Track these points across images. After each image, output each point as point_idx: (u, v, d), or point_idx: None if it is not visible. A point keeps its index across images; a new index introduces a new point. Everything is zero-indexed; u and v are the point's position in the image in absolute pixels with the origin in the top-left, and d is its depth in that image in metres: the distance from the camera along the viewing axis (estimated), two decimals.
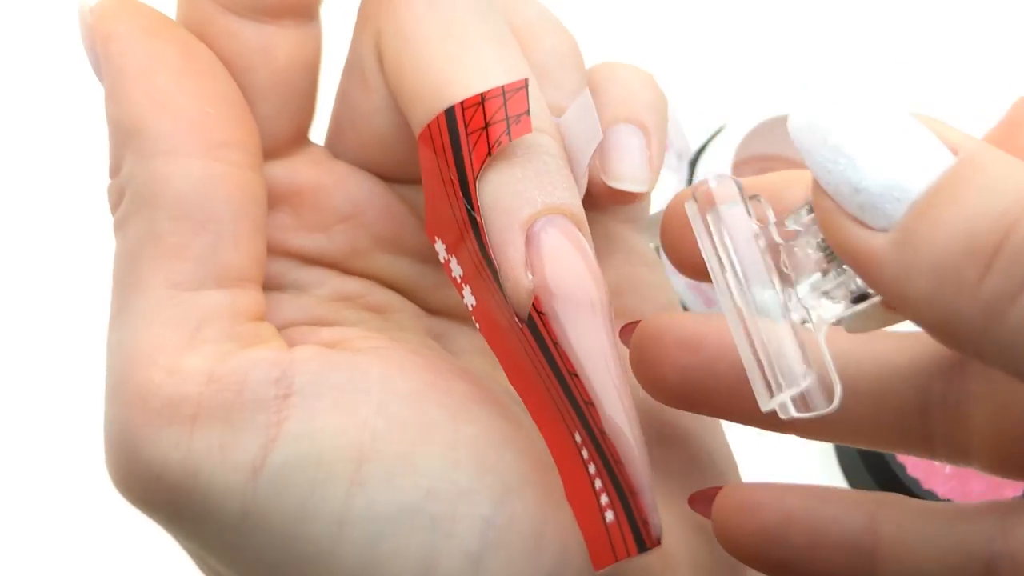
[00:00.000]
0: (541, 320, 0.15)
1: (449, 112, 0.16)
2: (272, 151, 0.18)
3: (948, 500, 0.38)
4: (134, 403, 0.16)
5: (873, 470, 0.40)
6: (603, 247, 0.20)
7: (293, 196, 0.18)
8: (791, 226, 0.16)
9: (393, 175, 0.19)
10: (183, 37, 0.17)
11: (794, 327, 0.15)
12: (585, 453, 0.15)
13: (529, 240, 0.15)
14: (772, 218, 0.16)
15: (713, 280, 0.16)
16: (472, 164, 0.16)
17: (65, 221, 0.48)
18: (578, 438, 0.16)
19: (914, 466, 0.39)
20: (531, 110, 0.15)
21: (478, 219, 0.16)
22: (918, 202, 0.14)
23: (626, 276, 0.21)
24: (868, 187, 0.14)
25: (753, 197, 0.16)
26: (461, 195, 0.16)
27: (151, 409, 0.16)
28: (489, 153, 0.15)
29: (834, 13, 0.57)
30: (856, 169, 0.14)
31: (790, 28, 0.55)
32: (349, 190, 0.19)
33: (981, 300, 0.13)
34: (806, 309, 0.16)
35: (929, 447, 0.17)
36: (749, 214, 0.16)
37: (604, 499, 0.15)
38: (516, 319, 0.16)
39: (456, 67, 0.16)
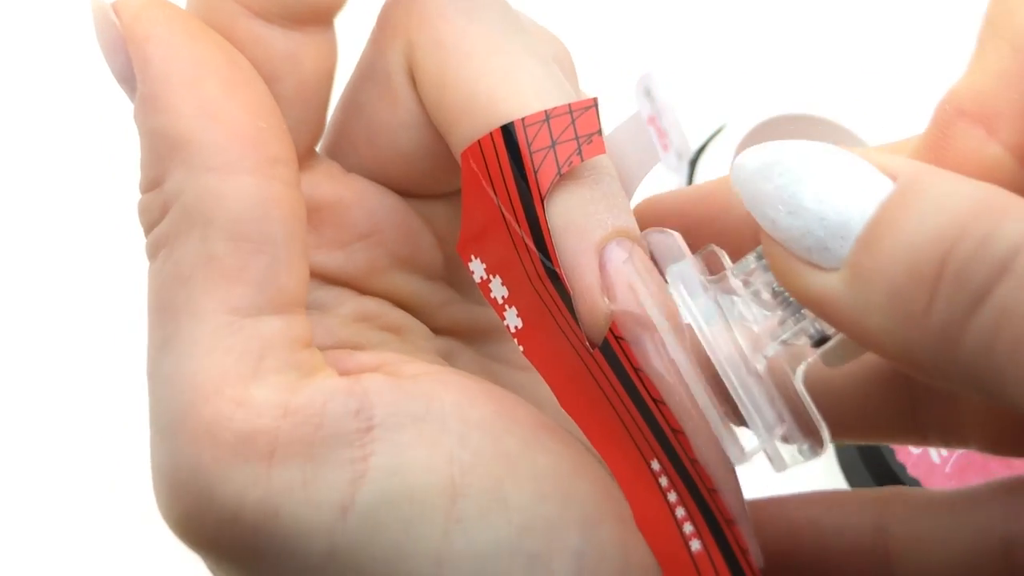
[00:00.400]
0: (620, 345, 0.15)
1: (507, 128, 0.15)
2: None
3: None
4: (202, 439, 0.15)
5: (873, 470, 0.40)
6: None
7: (313, 212, 0.17)
8: (738, 277, 0.16)
9: (409, 190, 0.18)
10: (223, 42, 0.16)
11: (760, 375, 0.15)
12: (664, 481, 0.15)
13: (603, 264, 0.15)
14: (729, 264, 0.16)
15: (667, 341, 0.15)
16: (539, 183, 0.15)
17: (64, 227, 0.48)
18: (656, 466, 0.15)
19: (914, 466, 0.39)
20: (586, 135, 0.15)
21: (546, 239, 0.15)
22: (861, 236, 0.13)
23: None
24: (813, 229, 0.14)
25: (707, 249, 0.16)
26: (523, 213, 0.15)
27: (223, 444, 0.15)
28: (559, 173, 0.15)
29: (834, 13, 0.57)
30: (800, 213, 0.14)
31: (790, 28, 0.55)
32: (369, 206, 0.18)
33: (933, 330, 0.13)
34: (766, 358, 0.15)
35: (922, 434, 0.17)
36: (698, 268, 0.16)
37: (688, 528, 0.15)
38: (588, 343, 0.15)
39: (509, 83, 0.16)
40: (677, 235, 0.16)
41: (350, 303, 0.18)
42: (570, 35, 0.21)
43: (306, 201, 0.17)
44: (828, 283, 0.14)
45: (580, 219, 0.15)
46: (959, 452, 0.39)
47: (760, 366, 0.15)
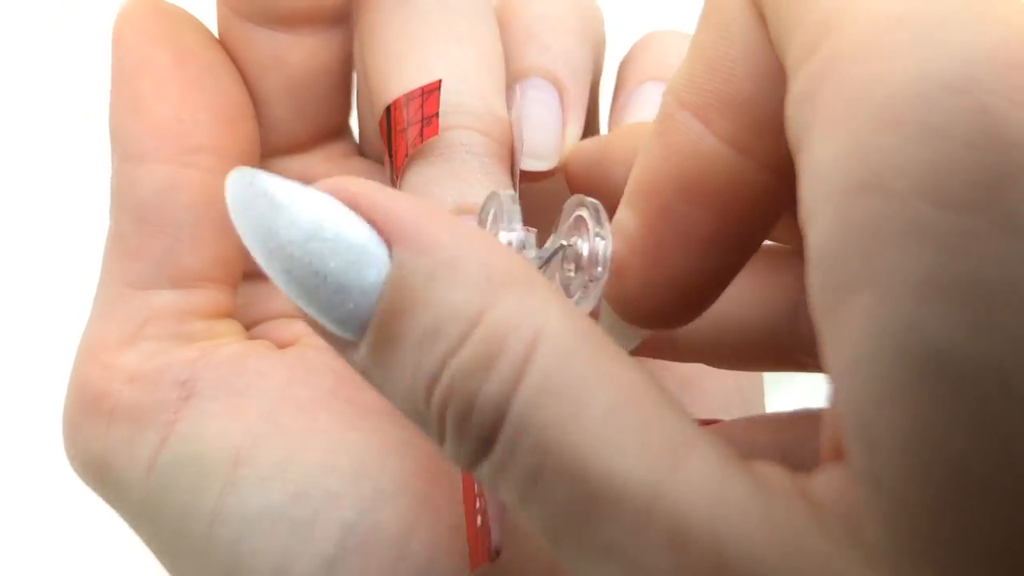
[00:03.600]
0: None
1: (387, 111, 0.16)
2: (289, 148, 0.19)
3: None
4: (72, 394, 0.17)
5: None
6: None
7: None
8: (542, 254, 0.15)
9: None
10: (185, 42, 0.17)
11: None
12: None
13: None
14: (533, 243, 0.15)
15: None
16: (394, 163, 0.16)
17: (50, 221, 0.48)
18: None
19: None
20: (444, 110, 0.15)
21: None
22: (369, 330, 0.12)
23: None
24: (318, 310, 0.12)
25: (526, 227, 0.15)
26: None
27: (82, 401, 0.17)
28: (406, 154, 0.16)
29: None
30: (306, 274, 0.12)
31: None
32: None
33: (450, 454, 0.12)
34: None
35: (802, 364, 0.18)
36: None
37: (479, 503, 0.15)
38: None
39: (401, 65, 0.16)
40: (513, 204, 0.15)
41: None
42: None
43: (297, 179, 0.18)
44: (356, 358, 0.12)
45: (422, 196, 0.16)
46: None
47: None
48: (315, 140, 0.19)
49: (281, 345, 0.19)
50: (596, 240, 0.14)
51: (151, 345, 0.17)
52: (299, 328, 0.18)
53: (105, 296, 0.18)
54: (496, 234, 0.15)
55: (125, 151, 0.17)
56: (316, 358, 0.17)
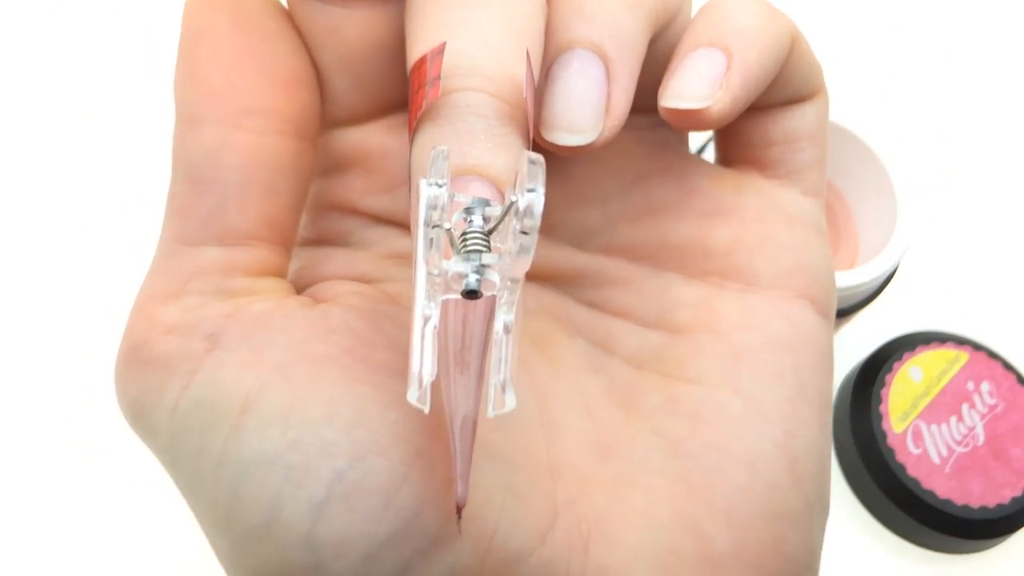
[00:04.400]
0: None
1: (409, 74, 0.16)
2: (348, 120, 0.19)
3: (947, 500, 0.38)
4: (123, 342, 0.18)
5: (873, 470, 0.40)
6: (732, 198, 0.20)
7: (363, 160, 0.20)
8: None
9: None
10: (246, 10, 0.18)
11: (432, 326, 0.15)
12: None
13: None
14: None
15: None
16: (410, 124, 0.16)
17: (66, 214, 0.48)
18: None
19: (914, 466, 0.39)
20: (457, 72, 0.15)
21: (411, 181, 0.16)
22: None
23: (752, 232, 0.20)
24: None
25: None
26: None
27: (127, 349, 0.18)
28: (416, 116, 0.16)
29: (835, 13, 0.56)
30: None
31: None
32: None
33: None
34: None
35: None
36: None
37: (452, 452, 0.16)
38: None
39: (426, 29, 0.16)
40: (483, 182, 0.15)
41: (391, 242, 0.20)
42: None
43: (357, 149, 0.20)
44: None
45: (423, 161, 0.16)
46: (959, 452, 0.39)
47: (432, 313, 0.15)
48: (374, 112, 0.19)
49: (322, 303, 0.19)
50: (527, 194, 0.14)
51: (193, 299, 0.18)
52: (341, 288, 0.19)
53: (160, 251, 0.18)
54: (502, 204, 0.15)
55: (181, 114, 0.18)
56: (339, 317, 0.18)
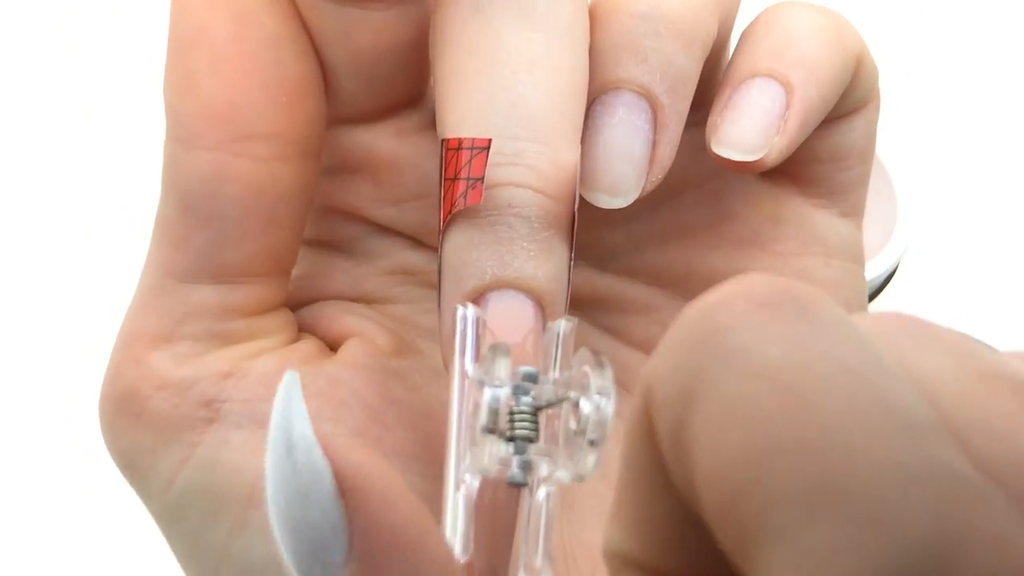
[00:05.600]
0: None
1: (442, 144, 0.15)
2: (357, 119, 0.18)
3: None
4: (107, 383, 0.17)
5: None
6: (770, 229, 0.18)
7: (371, 166, 0.18)
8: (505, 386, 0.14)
9: None
10: (247, 7, 0.16)
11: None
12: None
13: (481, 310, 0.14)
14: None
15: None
16: (441, 214, 0.15)
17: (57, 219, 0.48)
18: None
19: None
20: (498, 161, 0.14)
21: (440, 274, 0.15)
22: None
23: (788, 268, 0.18)
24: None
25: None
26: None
27: (113, 394, 0.16)
28: (451, 210, 0.14)
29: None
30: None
31: None
32: (426, 169, 0.18)
33: None
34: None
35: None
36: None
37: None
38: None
39: (461, 95, 0.15)
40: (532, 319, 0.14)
41: (398, 255, 0.19)
42: None
43: (364, 152, 0.18)
44: None
45: (458, 264, 0.15)
46: None
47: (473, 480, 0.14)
48: (384, 112, 0.18)
49: (330, 340, 0.18)
50: (596, 397, 0.13)
51: (186, 346, 0.16)
52: (350, 322, 0.18)
53: (147, 283, 0.17)
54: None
55: (175, 131, 0.16)
56: (349, 384, 0.17)
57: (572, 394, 0.13)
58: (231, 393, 0.16)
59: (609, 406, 0.13)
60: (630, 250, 0.19)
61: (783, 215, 0.19)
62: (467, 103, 0.15)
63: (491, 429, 0.13)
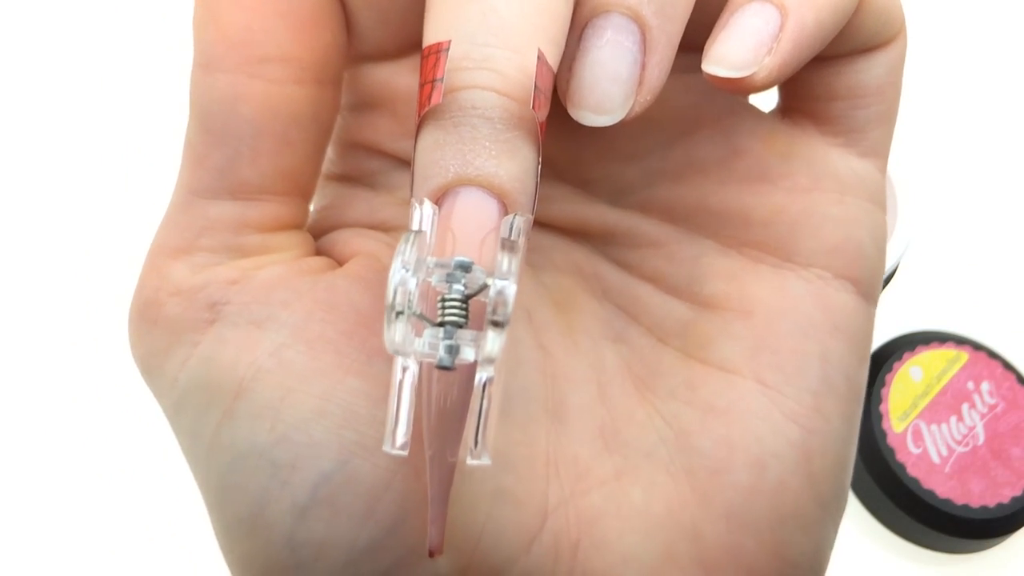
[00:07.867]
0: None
1: (421, 56, 0.15)
2: (376, 55, 0.18)
3: (947, 500, 0.38)
4: (135, 295, 0.18)
5: (873, 470, 0.40)
6: (781, 164, 0.18)
7: (390, 101, 0.19)
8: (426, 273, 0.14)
9: None
10: None
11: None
12: None
13: (440, 210, 0.15)
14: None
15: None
16: (416, 118, 0.15)
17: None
18: None
19: (914, 466, 0.39)
20: (467, 65, 0.14)
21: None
22: None
23: (797, 203, 0.18)
24: None
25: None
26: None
27: (137, 303, 0.17)
28: (420, 112, 0.15)
29: None
30: None
31: None
32: None
33: None
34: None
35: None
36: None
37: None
38: None
39: (438, 7, 0.15)
40: (490, 206, 0.14)
41: None
42: None
43: (384, 88, 0.19)
44: None
45: (424, 164, 0.15)
46: (959, 452, 0.39)
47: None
48: (401, 49, 0.18)
49: (342, 259, 0.19)
50: (498, 282, 0.13)
51: (203, 257, 0.17)
52: (360, 243, 0.19)
53: (174, 200, 0.18)
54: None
55: (198, 58, 0.17)
56: (345, 291, 0.17)
57: (489, 280, 0.14)
58: (232, 296, 0.17)
59: (511, 288, 0.13)
60: (644, 186, 0.19)
61: (796, 151, 0.19)
62: (443, 15, 0.15)
63: (399, 311, 0.14)
